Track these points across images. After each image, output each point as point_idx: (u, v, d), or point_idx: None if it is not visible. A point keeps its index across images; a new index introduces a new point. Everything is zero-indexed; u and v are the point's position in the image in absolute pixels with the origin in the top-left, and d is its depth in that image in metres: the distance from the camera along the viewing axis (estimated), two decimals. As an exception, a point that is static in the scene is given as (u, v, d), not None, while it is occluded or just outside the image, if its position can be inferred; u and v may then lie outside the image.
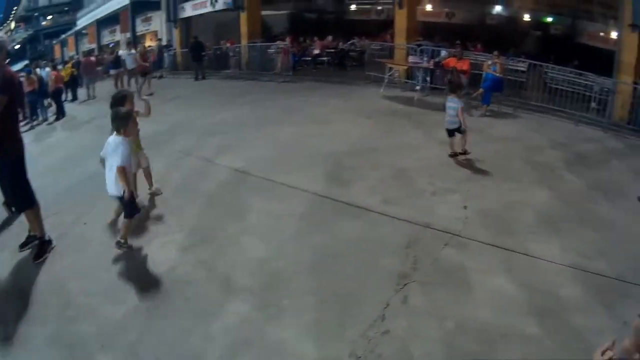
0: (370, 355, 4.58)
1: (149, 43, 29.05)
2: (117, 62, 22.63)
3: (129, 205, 6.20)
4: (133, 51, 22.85)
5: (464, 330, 4.96)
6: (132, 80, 21.44)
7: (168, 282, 5.75)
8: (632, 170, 9.82)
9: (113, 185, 6.09)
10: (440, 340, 4.82)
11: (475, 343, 4.78)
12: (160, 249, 6.47)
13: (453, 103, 9.63)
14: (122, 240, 6.31)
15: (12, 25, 69.14)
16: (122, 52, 22.80)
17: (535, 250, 6.52)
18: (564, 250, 6.57)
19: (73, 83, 21.01)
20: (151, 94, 17.87)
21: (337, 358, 4.56)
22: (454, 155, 9.78)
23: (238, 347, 4.71)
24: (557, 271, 6.10)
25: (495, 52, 15.09)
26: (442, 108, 12.53)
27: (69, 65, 22.78)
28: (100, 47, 40.21)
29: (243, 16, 24.26)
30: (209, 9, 26.47)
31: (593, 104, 14.31)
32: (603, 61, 16.74)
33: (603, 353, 2.58)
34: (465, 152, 9.79)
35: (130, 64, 21.61)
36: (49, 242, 6.54)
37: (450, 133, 9.79)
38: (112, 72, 22.81)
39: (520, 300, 5.48)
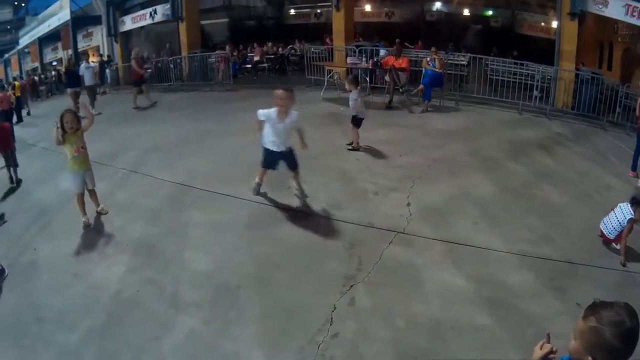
0: (320, 359, 4.51)
1: (92, 59, 28.27)
2: (74, 78, 18.92)
3: None
4: (92, 64, 20.89)
5: (414, 326, 4.92)
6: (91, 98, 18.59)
7: (118, 303, 5.62)
8: (577, 154, 9.79)
9: None
10: (391, 339, 4.77)
11: (426, 339, 4.76)
12: (107, 271, 6.31)
13: (353, 95, 10.11)
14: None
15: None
16: (81, 66, 19.51)
17: (480, 241, 6.54)
18: (509, 239, 6.59)
19: (17, 104, 19.22)
20: (155, 103, 17.86)
21: None
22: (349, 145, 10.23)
23: None
24: (504, 260, 6.12)
25: (433, 48, 15.01)
26: (383, 107, 12.37)
27: (17, 84, 21.44)
28: (44, 66, 39.44)
29: (182, 27, 23.91)
30: (148, 21, 26.01)
31: (535, 92, 14.43)
32: (543, 50, 16.82)
33: (541, 347, 2.58)
34: (355, 148, 10.19)
35: (88, 80, 18.92)
36: (2, 271, 6.44)
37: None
38: (69, 90, 18.78)
39: (469, 291, 5.47)
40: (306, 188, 8.10)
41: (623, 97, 13.01)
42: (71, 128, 7.39)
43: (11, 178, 10.04)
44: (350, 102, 10.15)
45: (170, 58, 22.96)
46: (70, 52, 32.95)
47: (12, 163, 10.14)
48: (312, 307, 5.26)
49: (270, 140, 7.50)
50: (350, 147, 10.18)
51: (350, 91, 10.24)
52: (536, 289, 5.48)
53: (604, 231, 6.60)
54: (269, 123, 7.46)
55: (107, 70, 26.57)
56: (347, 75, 12.17)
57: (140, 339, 4.98)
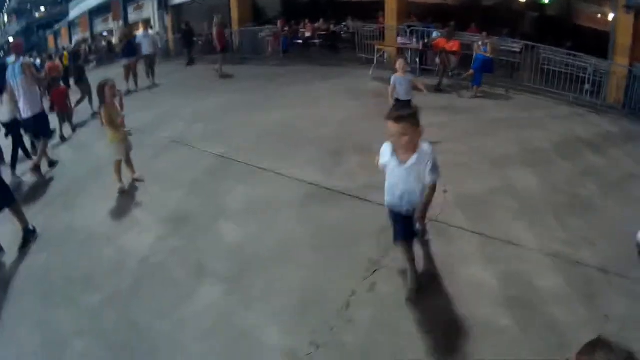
0: (332, 343, 4.48)
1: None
2: (130, 49, 17.72)
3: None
4: (150, 32, 20.72)
5: (433, 321, 4.79)
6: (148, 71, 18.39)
7: (144, 269, 5.83)
8: (627, 156, 9.56)
9: None
10: (406, 331, 4.65)
11: (443, 335, 4.62)
12: (137, 237, 6.54)
13: (408, 76, 9.58)
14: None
15: (5, 18, 68.78)
16: (139, 34, 19.07)
17: (516, 237, 6.30)
18: (546, 238, 6.34)
19: (65, 73, 18.79)
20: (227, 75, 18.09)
21: (297, 346, 4.48)
22: None
23: (206, 333, 4.78)
24: (536, 259, 5.89)
25: (484, 33, 14.88)
26: (432, 90, 12.31)
27: (65, 54, 21.75)
28: (94, 37, 40.02)
29: (233, 1, 23.92)
30: (200, -6, 26.06)
31: (587, 86, 14.10)
32: (599, 43, 16.44)
33: None
34: None
35: (146, 49, 18.37)
36: (33, 231, 6.78)
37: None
38: (123, 61, 17.54)
39: (496, 289, 5.28)
40: (346, 169, 8.19)
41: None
42: (113, 97, 7.61)
43: (62, 137, 11.18)
44: (404, 85, 9.27)
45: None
46: (121, 22, 33.42)
47: (68, 121, 11.49)
48: (332, 290, 5.23)
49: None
50: None
51: (403, 72, 9.33)
52: (565, 295, 5.24)
53: None
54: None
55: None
56: (399, 55, 11.82)
57: (160, 305, 5.15)
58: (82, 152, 10.49)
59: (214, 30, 18.66)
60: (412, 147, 4.83)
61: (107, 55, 30.46)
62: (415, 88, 9.44)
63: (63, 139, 11.51)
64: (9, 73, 9.24)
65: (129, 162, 8.11)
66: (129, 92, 16.13)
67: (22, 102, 9.27)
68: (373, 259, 5.72)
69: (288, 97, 13.28)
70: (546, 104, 13.71)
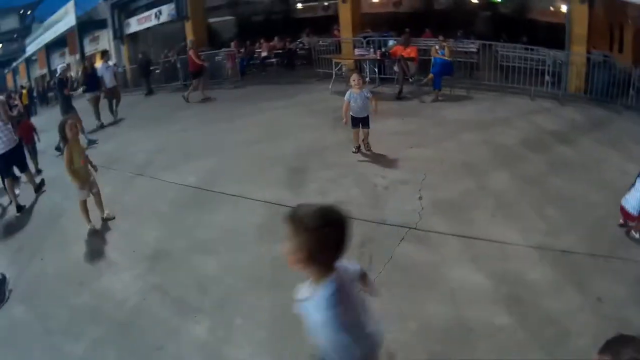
0: None
1: (99, 62, 28.33)
2: (94, 82, 16.15)
3: None
4: (111, 63, 18.77)
5: (428, 329, 4.75)
6: (113, 102, 17.16)
7: (123, 312, 5.59)
8: (593, 140, 9.63)
9: None
10: (403, 343, 4.54)
11: (441, 342, 4.59)
12: (113, 278, 6.31)
13: (365, 93, 9.24)
14: None
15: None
16: (100, 67, 17.26)
17: (497, 235, 6.34)
18: (527, 231, 6.38)
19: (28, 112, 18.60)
20: (208, 98, 17.49)
21: None
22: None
23: None
24: (522, 254, 5.93)
25: (440, 37, 14.96)
26: (393, 98, 12.23)
27: (24, 93, 21.29)
28: (52, 72, 39.61)
29: (188, 26, 23.86)
30: (154, 22, 26.04)
31: (547, 77, 14.24)
32: (553, 35, 16.60)
33: None
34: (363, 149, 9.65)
35: (109, 81, 16.92)
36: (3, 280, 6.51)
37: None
38: (88, 95, 16.05)
39: (487, 289, 5.29)
40: (315, 186, 8.08)
41: (636, 80, 12.73)
42: (76, 135, 7.38)
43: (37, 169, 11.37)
44: (359, 102, 9.08)
45: (176, 57, 22.90)
46: (77, 56, 33.09)
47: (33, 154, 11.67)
48: None
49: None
50: (356, 150, 9.46)
51: (359, 88, 9.11)
52: (556, 284, 5.27)
53: (627, 208, 6.25)
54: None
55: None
56: (353, 70, 11.32)
57: (146, 348, 4.94)
58: (50, 190, 10.06)
59: (190, 53, 17.73)
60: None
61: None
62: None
63: (38, 171, 11.34)
64: None
65: (97, 201, 7.85)
66: (102, 126, 15.75)
67: None
68: None
69: (247, 118, 13.13)
70: (508, 100, 13.81)
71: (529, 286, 5.28)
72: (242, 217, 7.41)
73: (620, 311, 4.70)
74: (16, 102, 15.88)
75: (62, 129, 7.32)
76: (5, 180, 9.32)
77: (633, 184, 6.31)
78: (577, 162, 8.75)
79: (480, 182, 7.97)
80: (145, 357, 4.84)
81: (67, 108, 14.30)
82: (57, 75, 16.16)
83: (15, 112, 11.90)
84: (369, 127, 9.29)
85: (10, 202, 9.28)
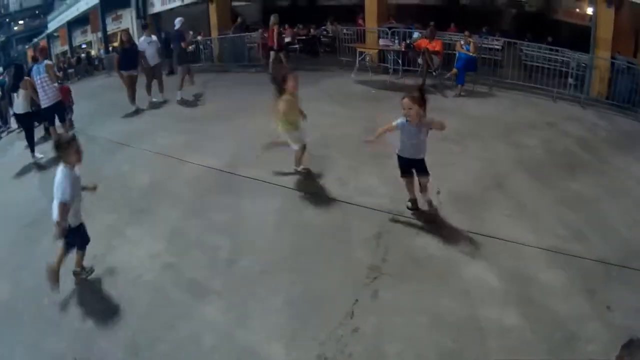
0: (339, 355, 4.42)
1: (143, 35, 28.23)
2: (130, 58, 14.21)
3: (73, 240, 5.73)
4: (154, 37, 15.54)
5: (439, 325, 4.76)
6: (154, 84, 15.07)
7: (136, 288, 5.62)
8: (614, 147, 9.58)
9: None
10: (414, 338, 4.61)
11: (451, 339, 4.58)
12: (129, 255, 6.34)
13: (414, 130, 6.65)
14: (78, 270, 5.91)
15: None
16: (141, 39, 15.00)
17: (513, 234, 6.31)
18: (542, 233, 6.37)
19: None
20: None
21: None
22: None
23: (208, 352, 4.62)
24: (536, 256, 5.91)
25: (466, 32, 14.90)
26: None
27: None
28: (73, 49, 39.65)
29: (212, 8, 23.79)
30: (177, 3, 26.00)
31: (570, 80, 14.09)
32: (579, 37, 16.53)
33: None
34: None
35: (152, 58, 14.82)
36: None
37: None
38: (124, 73, 14.16)
39: (499, 289, 5.30)
40: (335, 174, 8.12)
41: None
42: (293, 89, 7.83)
43: (69, 123, 12.45)
44: (413, 139, 6.57)
45: (200, 39, 23.08)
46: (99, 34, 33.16)
47: (70, 111, 13.22)
48: (334, 299, 5.16)
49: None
50: (412, 207, 6.97)
51: (417, 120, 6.46)
52: (567, 289, 5.29)
53: None
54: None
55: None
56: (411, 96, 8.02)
57: (156, 327, 4.97)
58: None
59: (274, 29, 17.58)
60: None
61: (87, 68, 30.12)
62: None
63: (70, 124, 12.40)
64: (34, 71, 10.91)
65: (300, 153, 8.10)
66: (137, 111, 14.09)
67: (43, 95, 10.90)
68: (373, 265, 5.67)
69: (270, 102, 13.14)
70: (530, 99, 13.73)
71: (541, 288, 5.29)
72: (261, 201, 7.43)
73: (629, 321, 4.69)
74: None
75: (281, 80, 7.72)
76: (50, 127, 11.68)
77: None
78: (597, 168, 8.69)
79: (499, 180, 7.95)
80: (155, 335, 4.87)
81: (183, 60, 15.49)
82: (175, 28, 16.23)
83: (60, 74, 13.29)
84: (427, 174, 6.73)
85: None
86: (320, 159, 8.66)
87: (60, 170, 5.49)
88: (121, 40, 14.64)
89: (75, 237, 5.68)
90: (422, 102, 6.20)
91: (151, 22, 27.09)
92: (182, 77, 15.08)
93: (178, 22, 16.11)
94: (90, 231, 5.97)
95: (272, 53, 17.59)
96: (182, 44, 15.58)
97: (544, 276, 5.49)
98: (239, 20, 21.89)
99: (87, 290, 5.65)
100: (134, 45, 14.64)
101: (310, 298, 5.20)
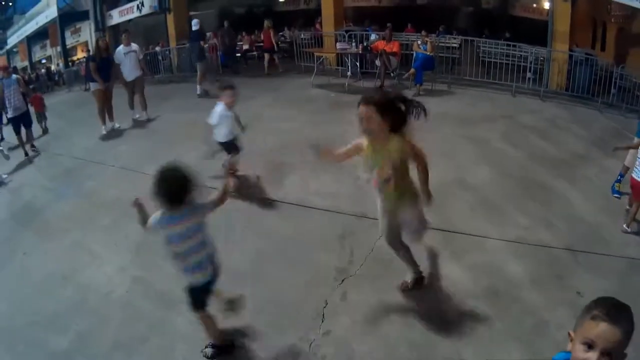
0: (313, 358, 4.38)
1: (80, 55, 27.84)
2: (106, 67, 12.46)
3: None
4: (134, 47, 13.47)
5: (410, 322, 4.75)
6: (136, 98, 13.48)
7: (107, 304, 5.51)
8: (574, 137, 9.64)
9: None
10: (385, 336, 4.59)
11: (422, 334, 4.58)
12: (96, 272, 6.19)
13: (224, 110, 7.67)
14: None
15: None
16: (118, 49, 13.17)
17: (477, 228, 6.38)
18: (507, 225, 6.46)
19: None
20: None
21: None
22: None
23: None
24: (502, 248, 5.98)
25: (423, 32, 14.93)
26: (373, 92, 12.24)
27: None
28: (32, 64, 39.12)
29: (170, 18, 23.64)
30: (136, 14, 25.71)
31: (529, 74, 14.29)
32: (537, 32, 16.68)
33: None
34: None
35: (129, 72, 13.16)
36: None
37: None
38: (92, 86, 12.71)
39: (467, 282, 5.32)
40: (295, 179, 8.04)
41: (618, 79, 12.85)
42: None
43: (44, 129, 13.57)
44: (218, 118, 7.60)
45: (159, 49, 22.80)
46: (59, 48, 32.71)
47: (44, 118, 14.16)
48: (303, 303, 5.11)
49: None
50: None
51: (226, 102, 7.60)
52: (535, 278, 5.32)
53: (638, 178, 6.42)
54: None
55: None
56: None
57: (130, 341, 4.85)
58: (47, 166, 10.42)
59: (270, 32, 18.50)
60: None
61: (47, 84, 29.59)
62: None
63: (45, 130, 13.36)
64: (5, 85, 11.29)
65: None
66: (113, 129, 12.49)
67: (9, 106, 11.39)
68: (340, 267, 5.66)
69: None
70: (489, 95, 13.85)
71: (509, 280, 5.32)
72: (223, 210, 7.25)
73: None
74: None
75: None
76: (17, 135, 11.72)
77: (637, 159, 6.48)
78: (557, 158, 8.79)
79: (461, 175, 7.99)
80: (130, 349, 4.76)
81: (202, 58, 16.30)
82: (193, 29, 16.71)
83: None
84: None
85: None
86: (279, 164, 8.62)
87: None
88: (98, 48, 12.72)
89: None
90: (385, 109, 4.54)
91: (110, 34, 26.83)
92: (202, 73, 15.66)
93: (195, 23, 16.69)
94: (56, 249, 6.16)
95: (266, 55, 18.67)
96: (201, 43, 16.34)
97: (511, 267, 5.54)
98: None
99: (62, 310, 5.50)
100: (110, 55, 13.01)
101: (279, 304, 5.15)
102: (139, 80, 13.41)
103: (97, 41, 13.59)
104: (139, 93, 13.35)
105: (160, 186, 3.95)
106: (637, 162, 6.49)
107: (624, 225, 6.40)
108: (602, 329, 1.98)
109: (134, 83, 13.30)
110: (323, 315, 4.89)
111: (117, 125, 12.70)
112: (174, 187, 4.01)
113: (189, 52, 18.92)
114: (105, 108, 12.57)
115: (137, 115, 13.43)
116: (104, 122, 12.45)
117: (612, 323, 1.97)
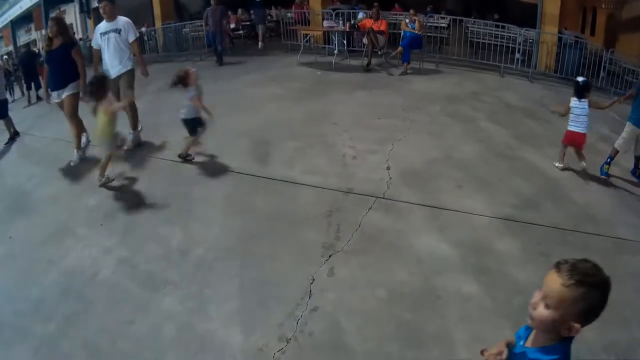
0: (300, 335, 4.33)
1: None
2: (65, 65, 8.10)
3: None
4: (122, 22, 8.97)
5: (397, 297, 4.73)
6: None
7: (92, 287, 5.34)
8: (561, 118, 9.59)
9: None
10: (373, 312, 4.57)
11: (410, 310, 4.55)
12: (82, 253, 5.99)
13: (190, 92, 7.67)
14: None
15: None
16: (98, 27, 9.05)
17: (465, 205, 6.35)
18: (494, 203, 6.44)
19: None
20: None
21: (267, 343, 4.28)
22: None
23: (167, 345, 4.42)
24: (489, 225, 5.96)
25: (412, 10, 14.88)
26: (361, 70, 12.03)
27: None
28: (17, 49, 38.61)
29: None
30: (122, -6, 25.18)
31: (517, 55, 14.24)
32: (527, 14, 16.62)
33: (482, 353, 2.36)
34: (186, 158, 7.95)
35: (110, 63, 8.62)
36: None
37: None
38: (52, 95, 8.34)
39: (455, 259, 5.29)
40: (282, 157, 7.94)
41: (607, 63, 12.96)
42: None
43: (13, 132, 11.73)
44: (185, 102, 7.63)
45: (144, 30, 22.36)
46: (44, 31, 32.32)
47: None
48: (290, 280, 5.05)
49: None
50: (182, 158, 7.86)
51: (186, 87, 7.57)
52: (523, 256, 5.30)
53: (580, 132, 7.25)
54: None
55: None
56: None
57: (116, 324, 4.74)
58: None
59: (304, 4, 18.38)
60: None
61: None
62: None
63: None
64: None
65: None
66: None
67: None
68: (327, 244, 5.59)
69: (213, 90, 12.66)
70: (477, 75, 13.83)
71: (496, 256, 5.30)
72: (209, 189, 7.23)
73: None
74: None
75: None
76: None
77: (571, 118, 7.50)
78: (544, 137, 8.78)
79: (448, 153, 7.95)
80: (116, 333, 4.64)
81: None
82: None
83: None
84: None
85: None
86: (267, 144, 8.51)
87: None
88: (47, 38, 8.36)
89: None
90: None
91: (95, 15, 26.45)
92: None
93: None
94: (42, 233, 5.99)
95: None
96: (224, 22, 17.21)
97: (499, 244, 5.52)
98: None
99: (49, 295, 5.36)
100: (70, 41, 8.43)
101: (266, 281, 5.10)
102: (125, 77, 8.64)
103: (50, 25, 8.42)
104: (126, 100, 8.22)
105: None
106: (572, 117, 7.38)
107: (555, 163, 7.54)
108: (550, 275, 2.04)
109: (118, 83, 8.59)
110: (310, 291, 4.84)
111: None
112: None
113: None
114: (75, 125, 8.34)
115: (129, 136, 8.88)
116: (77, 147, 8.44)
117: (557, 272, 2.02)
